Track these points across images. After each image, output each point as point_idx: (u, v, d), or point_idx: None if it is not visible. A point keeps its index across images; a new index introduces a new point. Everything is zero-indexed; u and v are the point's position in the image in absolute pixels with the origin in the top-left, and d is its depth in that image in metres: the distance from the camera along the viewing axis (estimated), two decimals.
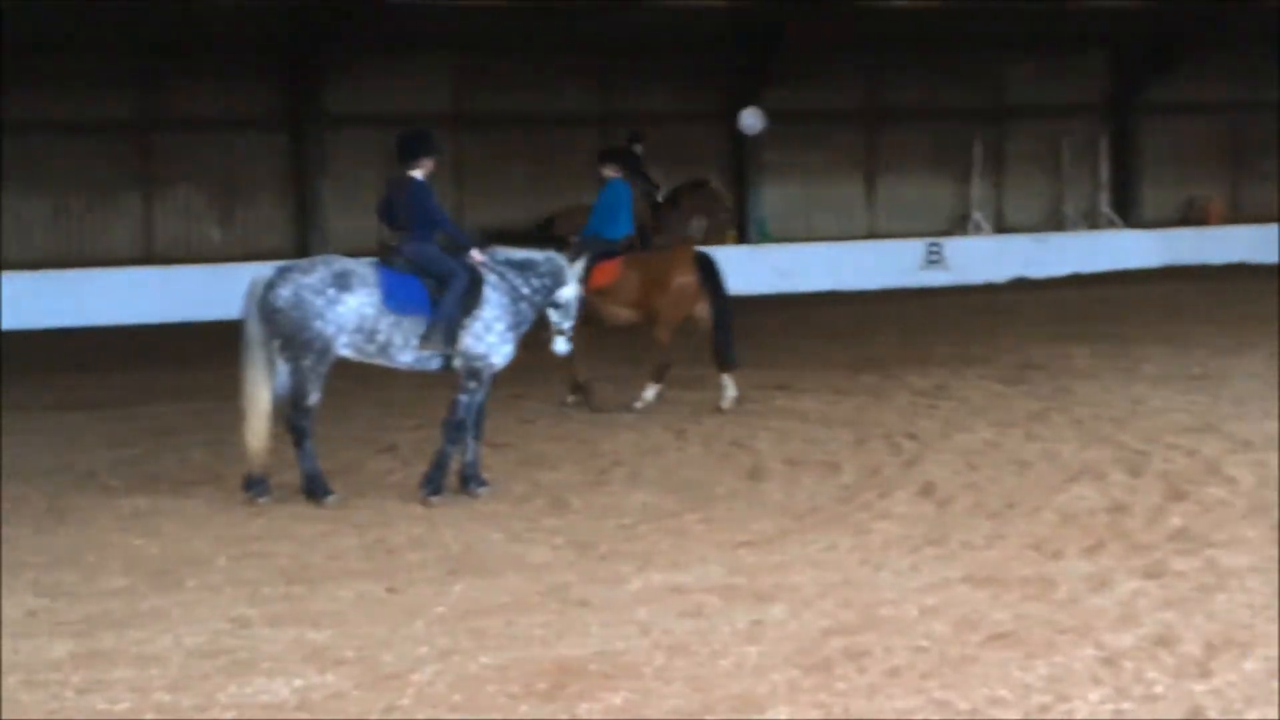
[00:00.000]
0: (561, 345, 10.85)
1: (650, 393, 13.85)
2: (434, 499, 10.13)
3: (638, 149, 19.81)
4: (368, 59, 24.67)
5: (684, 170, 24.86)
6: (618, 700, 6.26)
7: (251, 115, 24.76)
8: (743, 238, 27.76)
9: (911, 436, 12.17)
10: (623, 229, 14.12)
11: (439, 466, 10.27)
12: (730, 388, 13.74)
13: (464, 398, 10.33)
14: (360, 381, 12.97)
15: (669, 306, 13.83)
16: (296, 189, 25.13)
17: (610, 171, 14.40)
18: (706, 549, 8.76)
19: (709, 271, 13.92)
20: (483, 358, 10.32)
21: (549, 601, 7.71)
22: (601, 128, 26.81)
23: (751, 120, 26.77)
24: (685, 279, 13.84)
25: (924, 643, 6.87)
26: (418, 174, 10.57)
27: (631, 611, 7.49)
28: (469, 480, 10.44)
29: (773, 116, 26.93)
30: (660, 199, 20.71)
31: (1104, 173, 30.29)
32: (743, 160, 28.01)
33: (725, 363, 13.82)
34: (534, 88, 26.44)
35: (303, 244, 24.32)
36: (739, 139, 27.40)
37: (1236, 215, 31.09)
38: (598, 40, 26.09)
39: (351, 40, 24.11)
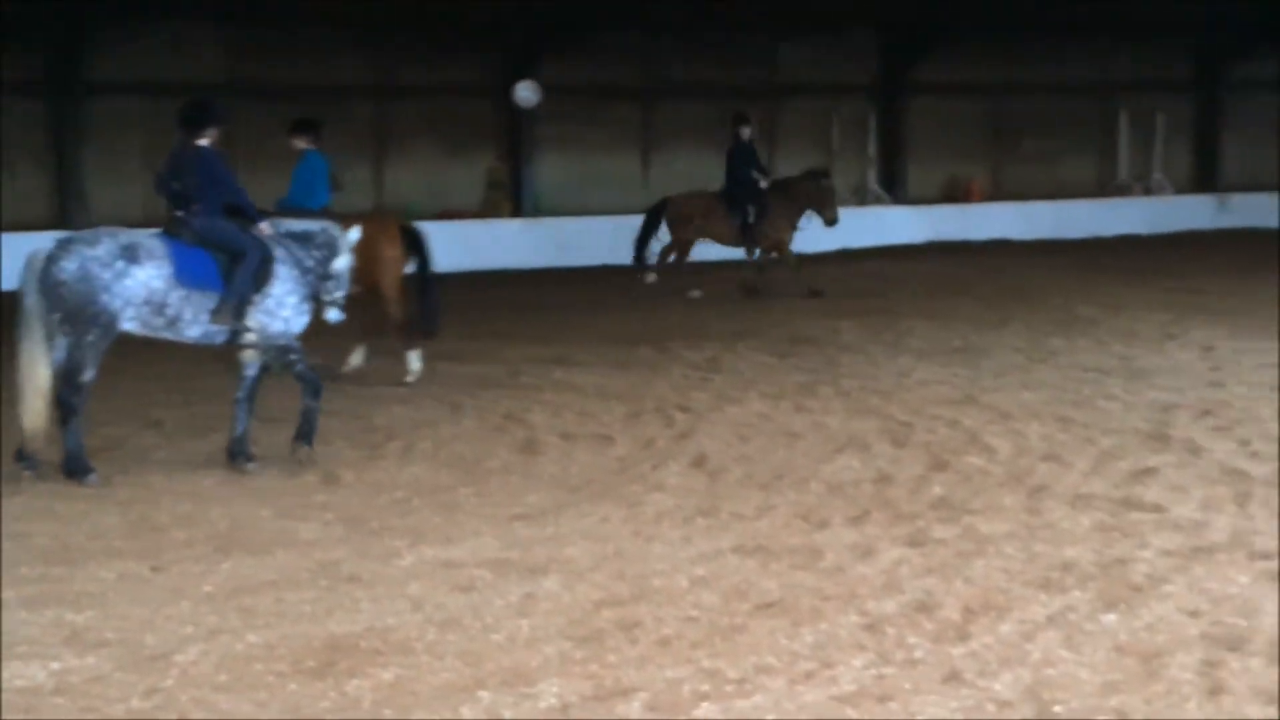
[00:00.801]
0: (334, 315, 10.75)
1: (414, 363, 13.86)
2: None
3: (745, 131, 21.00)
4: (133, 24, 23.98)
5: (456, 144, 24.76)
6: (388, 676, 6.22)
7: (9, 81, 23.84)
8: (519, 211, 27.72)
9: (685, 409, 12.30)
10: (320, 199, 13.88)
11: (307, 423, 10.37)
12: (415, 360, 13.85)
13: (251, 372, 10.29)
14: (124, 356, 12.62)
15: (385, 277, 13.91)
16: (56, 158, 24.31)
17: (301, 143, 14.08)
18: (479, 523, 8.74)
19: (415, 242, 14.07)
20: (282, 334, 10.22)
21: (319, 578, 7.62)
22: (377, 100, 26.56)
23: (526, 94, 26.73)
24: (392, 251, 13.89)
25: (694, 613, 6.96)
26: (204, 143, 10.33)
27: (403, 587, 7.44)
28: (236, 455, 10.28)
29: (548, 90, 26.91)
30: (764, 185, 20.80)
31: (872, 150, 30.94)
32: (519, 134, 27.93)
33: (428, 332, 14.06)
34: (308, 58, 26.00)
35: (63, 215, 23.55)
36: (515, 112, 27.32)
37: (998, 193, 32.07)
38: (372, 11, 25.73)
39: (115, 4, 23.39)
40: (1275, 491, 8.79)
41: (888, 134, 31.10)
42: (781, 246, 21.05)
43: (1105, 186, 32.99)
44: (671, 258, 21.55)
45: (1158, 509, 8.55)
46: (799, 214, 20.88)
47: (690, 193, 22.12)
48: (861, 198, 30.84)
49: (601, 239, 26.76)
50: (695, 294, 20.64)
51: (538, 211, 27.96)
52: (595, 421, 11.91)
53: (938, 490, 9.28)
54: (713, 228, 21.21)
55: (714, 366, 14.63)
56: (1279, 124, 34.12)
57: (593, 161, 29.09)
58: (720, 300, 20.45)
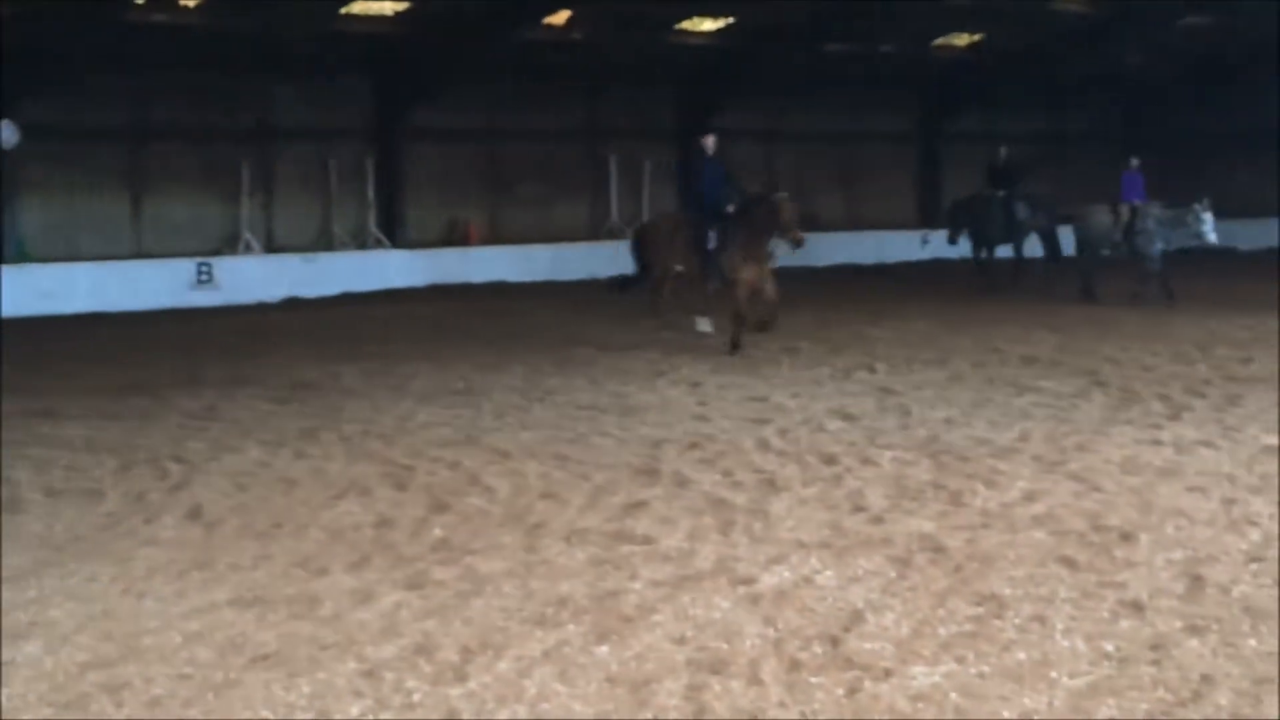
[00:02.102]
0: None
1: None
2: None
3: (710, 143, 19.07)
4: None
5: None
6: None
7: None
8: (0, 258, 26.31)
9: (180, 459, 11.93)
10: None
11: None
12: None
13: None
14: None
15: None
16: None
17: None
18: None
19: None
20: None
21: None
22: None
23: (8, 133, 25.44)
24: None
25: (187, 670, 6.74)
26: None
27: None
28: None
29: (30, 132, 25.71)
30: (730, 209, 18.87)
31: (370, 194, 30.97)
32: None
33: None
34: None
35: None
36: None
37: (496, 236, 32.67)
38: None
39: None
40: (755, 518, 9.27)
41: (386, 178, 31.22)
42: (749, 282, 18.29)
43: (598, 229, 34.09)
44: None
45: (648, 540, 8.86)
46: (765, 241, 18.25)
47: (660, 215, 22.22)
48: (361, 242, 30.82)
49: (89, 286, 25.75)
50: (705, 328, 19.72)
51: (21, 258, 26.62)
52: (84, 476, 11.39)
53: (438, 532, 9.33)
54: (678, 255, 19.40)
55: (211, 415, 14.26)
56: (760, 171, 36.09)
57: (79, 205, 27.95)
58: (214, 345, 19.99)
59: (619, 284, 21.48)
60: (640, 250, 20.45)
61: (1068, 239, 27.26)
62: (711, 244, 18.27)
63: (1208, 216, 23.45)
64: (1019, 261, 27.94)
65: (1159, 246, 23.89)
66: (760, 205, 17.92)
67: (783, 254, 18.59)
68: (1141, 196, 24.50)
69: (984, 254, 28.13)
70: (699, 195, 18.86)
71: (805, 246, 17.91)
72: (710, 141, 18.94)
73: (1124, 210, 24.44)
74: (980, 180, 28.64)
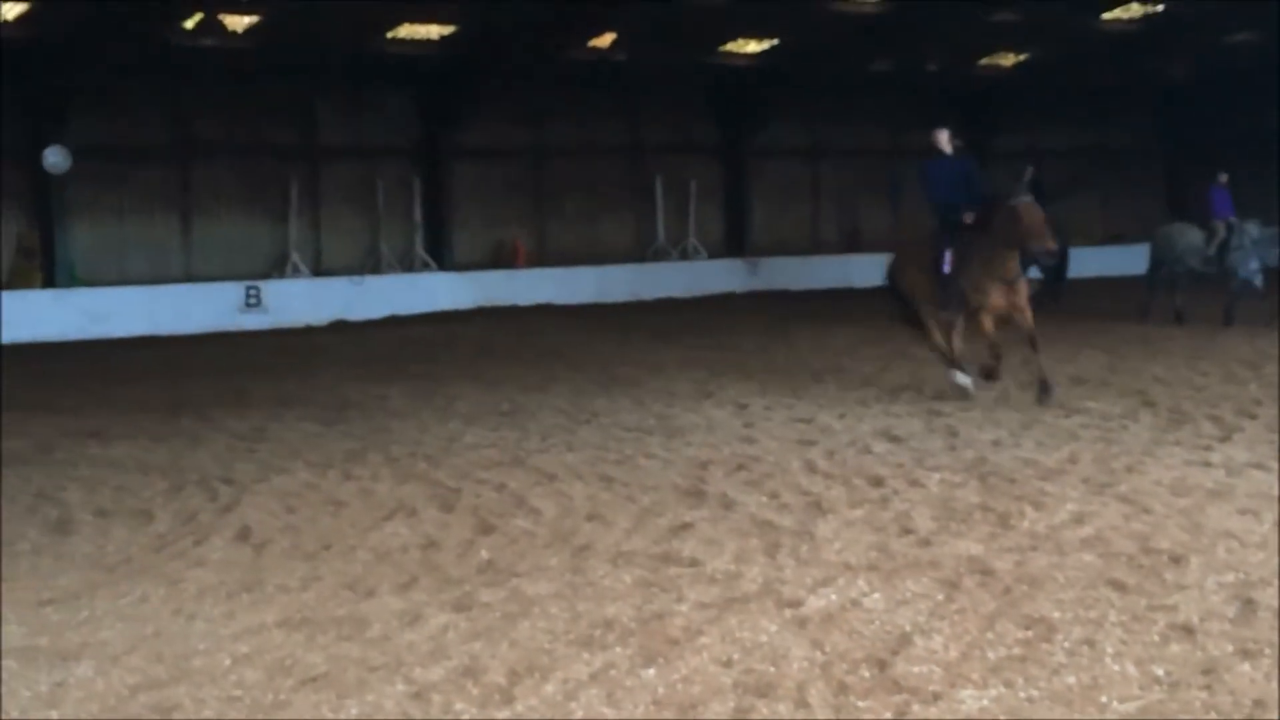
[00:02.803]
0: None
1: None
2: None
3: (944, 138, 15.92)
4: None
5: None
6: None
7: None
8: (50, 281, 26.57)
9: (228, 481, 12.01)
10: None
11: None
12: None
13: None
14: None
15: None
16: None
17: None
18: (4, 610, 8.27)
19: None
20: None
21: None
22: None
23: (55, 158, 25.70)
24: None
25: (236, 692, 6.78)
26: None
27: None
28: None
29: (80, 155, 25.96)
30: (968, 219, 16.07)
31: (417, 215, 31.12)
32: (48, 199, 26.81)
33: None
34: None
35: None
36: (44, 177, 26.21)
37: (542, 258, 32.76)
38: None
39: None
40: (802, 541, 9.25)
41: (432, 199, 31.37)
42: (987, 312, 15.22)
43: (645, 250, 34.16)
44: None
45: (694, 563, 8.85)
46: (1008, 255, 14.94)
47: (910, 238, 17.54)
48: (408, 263, 30.96)
49: (139, 309, 25.98)
50: (963, 381, 15.58)
51: (72, 281, 26.88)
52: (133, 497, 11.49)
53: (485, 554, 9.34)
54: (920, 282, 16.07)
55: (259, 436, 14.35)
56: (805, 190, 36.20)
57: (128, 227, 28.22)
58: (262, 367, 20.10)
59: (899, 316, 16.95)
60: (896, 283, 16.63)
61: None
62: (946, 265, 15.13)
63: None
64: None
65: (1255, 264, 23.06)
66: (996, 213, 14.76)
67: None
68: (1231, 212, 23.74)
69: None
70: (937, 205, 15.58)
71: (1055, 256, 16.23)
72: (944, 136, 15.89)
73: (1219, 227, 23.53)
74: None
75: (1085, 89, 37.78)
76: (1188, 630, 7.10)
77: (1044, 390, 14.71)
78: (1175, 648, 6.87)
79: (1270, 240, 23.27)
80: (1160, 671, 6.56)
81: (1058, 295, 26.41)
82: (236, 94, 28.82)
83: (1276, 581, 7.89)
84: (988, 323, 15.06)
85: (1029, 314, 15.07)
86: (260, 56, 27.81)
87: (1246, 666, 6.58)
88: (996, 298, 14.89)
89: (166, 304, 26.67)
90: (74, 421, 15.11)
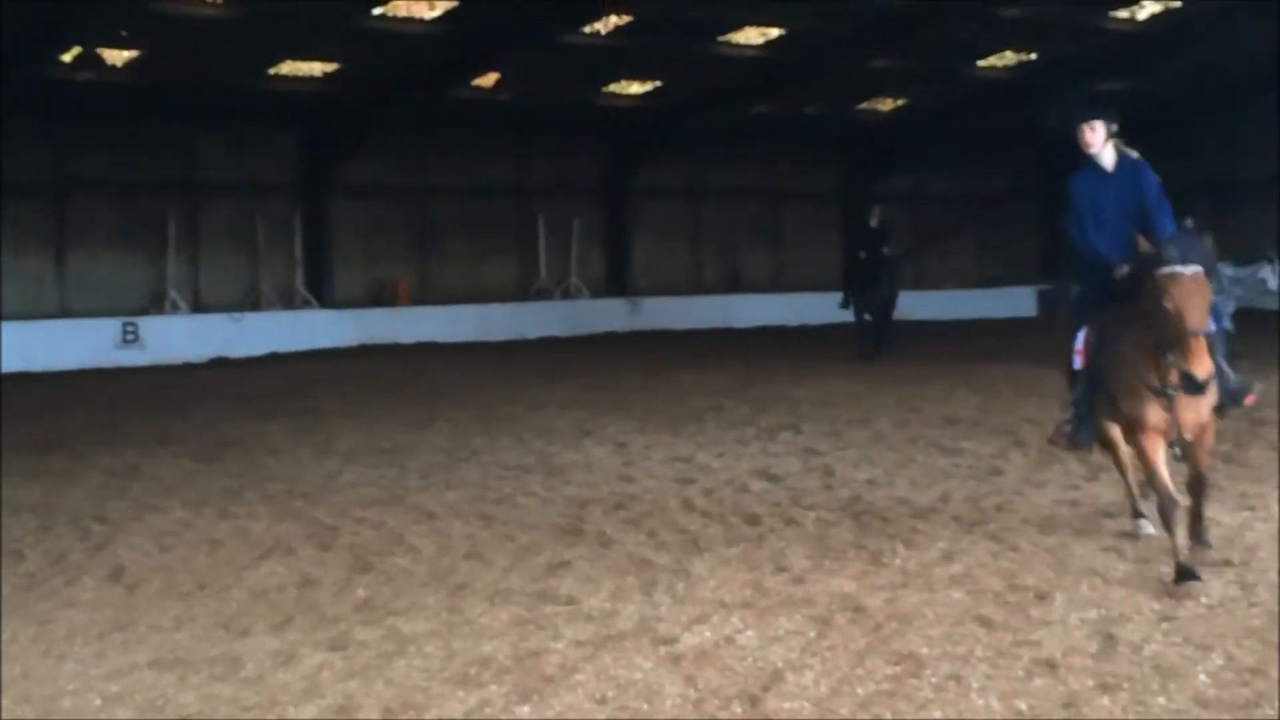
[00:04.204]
0: None
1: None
2: None
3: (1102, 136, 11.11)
4: None
5: None
6: None
7: None
8: None
9: (101, 519, 11.87)
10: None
11: None
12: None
13: None
14: None
15: None
16: None
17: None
18: None
19: None
20: None
21: None
22: None
23: None
24: None
25: None
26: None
27: None
28: None
29: None
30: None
31: (298, 252, 30.95)
32: None
33: None
34: None
35: None
36: None
37: (424, 295, 32.70)
38: None
39: None
40: (678, 578, 9.33)
41: (313, 236, 31.24)
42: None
43: (527, 289, 34.21)
44: None
45: (571, 600, 8.90)
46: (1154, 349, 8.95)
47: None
48: (289, 301, 30.77)
49: (12, 344, 25.57)
50: (1148, 530, 9.95)
51: None
52: (4, 536, 11.31)
53: (362, 592, 9.33)
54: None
55: (134, 473, 14.20)
56: (686, 230, 36.48)
57: (2, 262, 27.78)
58: (138, 404, 19.87)
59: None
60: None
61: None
62: (1078, 354, 9.70)
63: (1273, 272, 22.87)
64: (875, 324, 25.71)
65: (1231, 307, 21.41)
66: (1144, 282, 8.75)
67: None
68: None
69: (865, 317, 25.87)
70: (1092, 256, 9.62)
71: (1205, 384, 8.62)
72: (1096, 131, 9.69)
73: None
74: (853, 242, 27.66)
75: (964, 134, 38.45)
76: (1051, 665, 7.27)
77: (1200, 542, 9.27)
78: (1038, 682, 7.03)
79: (1245, 281, 23.02)
80: (1024, 706, 6.72)
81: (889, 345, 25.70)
82: (115, 129, 28.52)
83: (1137, 618, 8.10)
84: (1148, 446, 9.10)
85: (1206, 441, 9.25)
86: (140, 91, 27.55)
87: (1106, 700, 6.76)
88: (1142, 410, 9.05)
89: (41, 340, 26.26)
90: None
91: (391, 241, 32.73)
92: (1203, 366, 8.42)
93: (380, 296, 32.24)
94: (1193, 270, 8.52)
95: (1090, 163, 9.77)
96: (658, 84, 33.73)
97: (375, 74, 29.46)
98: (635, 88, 34.05)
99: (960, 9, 29.68)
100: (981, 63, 35.00)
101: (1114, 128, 9.72)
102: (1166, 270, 8.48)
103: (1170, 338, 8.52)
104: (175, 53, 26.99)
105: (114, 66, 27.12)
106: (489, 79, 31.18)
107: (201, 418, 18.50)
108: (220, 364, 26.98)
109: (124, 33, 25.69)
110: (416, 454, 15.22)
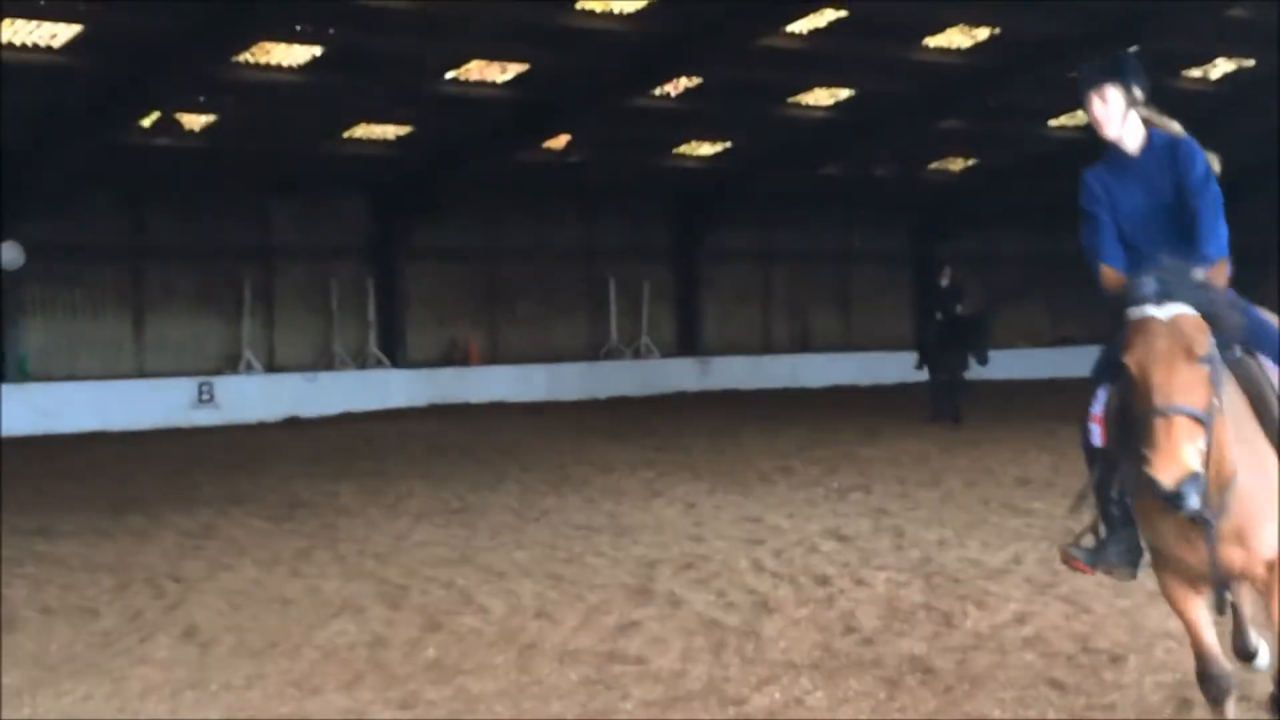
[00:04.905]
0: None
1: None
2: None
3: None
4: None
5: None
6: None
7: None
8: (1, 376, 26.48)
9: (176, 578, 11.98)
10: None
11: None
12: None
13: None
14: None
15: None
16: None
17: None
18: None
19: None
20: None
21: None
22: None
23: (9, 255, 25.73)
24: None
25: None
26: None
27: None
28: None
29: (32, 252, 26.00)
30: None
31: (371, 313, 31.21)
32: (0, 296, 26.80)
33: None
34: None
35: None
36: None
37: (495, 355, 32.87)
38: None
39: None
40: (747, 639, 9.31)
41: (386, 297, 31.50)
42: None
43: (597, 349, 34.30)
44: None
45: (640, 661, 8.89)
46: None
47: None
48: (362, 361, 31.01)
49: (89, 405, 25.91)
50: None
51: (22, 376, 26.80)
52: (79, 594, 11.44)
53: (431, 652, 9.36)
54: None
55: (208, 533, 14.33)
56: (756, 292, 36.52)
57: (81, 324, 28.20)
58: (213, 464, 20.06)
59: None
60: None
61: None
62: (1095, 429, 6.93)
63: None
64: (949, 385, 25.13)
65: None
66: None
67: None
68: None
69: (940, 378, 25.36)
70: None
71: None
72: (1111, 108, 6.67)
73: None
74: (926, 303, 27.76)
75: (1035, 194, 38.30)
76: None
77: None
78: None
79: None
80: None
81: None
82: (191, 193, 28.95)
83: None
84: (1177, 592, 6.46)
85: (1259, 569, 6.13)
86: (215, 155, 27.96)
87: None
88: (1160, 539, 6.28)
89: (118, 400, 26.61)
90: (20, 519, 15.03)
91: (463, 302, 32.94)
92: (1169, 468, 5.41)
93: (452, 356, 32.43)
94: (1172, 313, 5.71)
95: (1111, 151, 6.72)
96: (727, 145, 33.86)
97: (446, 137, 29.77)
98: (704, 149, 34.19)
99: (1031, 70, 29.64)
100: (1052, 122, 34.91)
101: (1138, 95, 6.61)
102: (1134, 314, 5.79)
103: (1136, 418, 5.77)
104: (250, 118, 27.41)
105: (191, 131, 27.56)
106: (559, 141, 31.42)
107: (274, 478, 18.65)
108: (293, 423, 27.21)
109: (201, 98, 26.12)
110: (486, 514, 15.27)
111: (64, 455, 21.81)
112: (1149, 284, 5.78)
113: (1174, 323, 5.67)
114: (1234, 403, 5.97)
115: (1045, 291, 40.34)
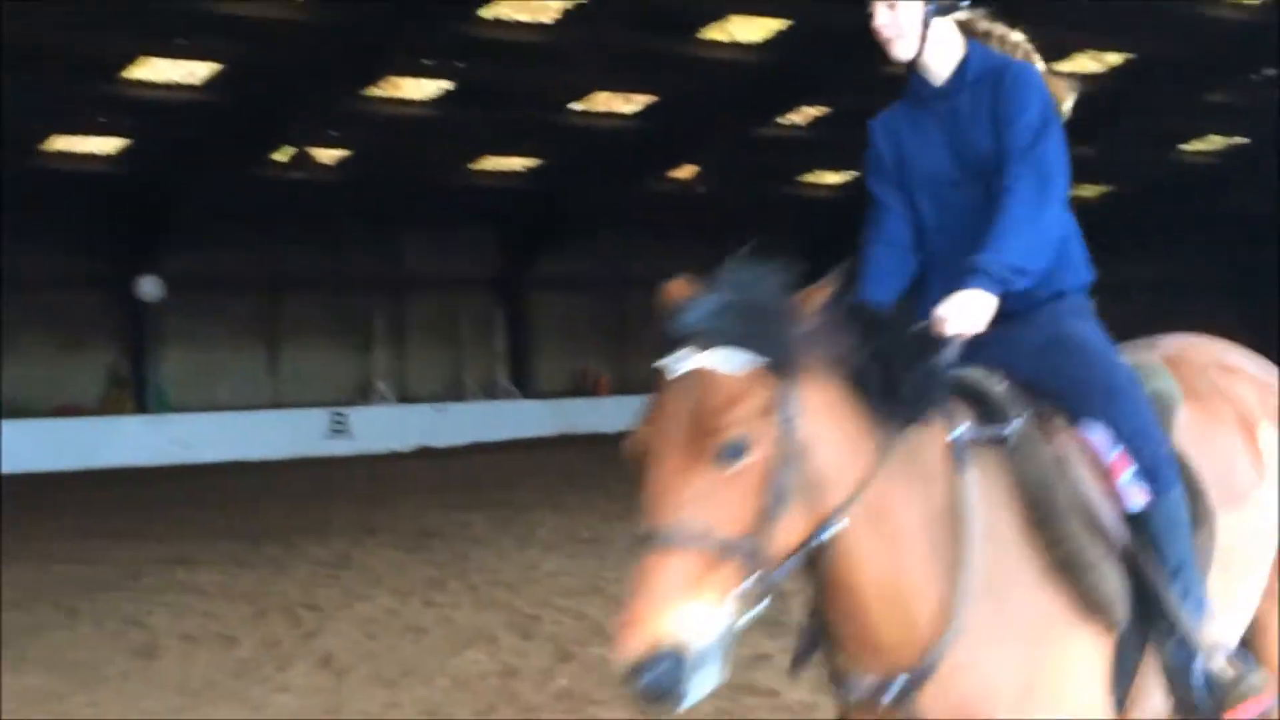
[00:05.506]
0: None
1: None
2: None
3: None
4: None
5: (72, 338, 24.08)
6: None
7: None
8: (142, 407, 27.05)
9: (312, 607, 12.12)
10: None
11: None
12: None
13: None
14: None
15: None
16: None
17: None
18: None
19: None
20: None
21: None
22: None
23: (149, 288, 26.34)
24: None
25: None
26: None
27: None
28: None
29: (171, 285, 26.57)
30: None
31: (500, 345, 31.44)
32: (140, 328, 27.40)
33: None
34: None
35: None
36: (137, 306, 26.83)
37: (624, 386, 32.92)
38: None
39: None
40: None
41: (515, 328, 31.72)
42: None
43: None
44: None
45: (772, 693, 8.83)
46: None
47: None
48: (492, 392, 31.24)
49: (226, 435, 26.36)
50: None
51: (162, 407, 27.36)
52: (218, 622, 11.62)
53: (563, 682, 9.36)
54: None
55: (342, 563, 14.49)
56: None
57: (217, 355, 28.74)
58: (346, 494, 20.29)
59: None
60: None
61: None
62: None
63: None
64: None
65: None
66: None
67: None
68: None
69: None
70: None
71: None
72: (901, 19, 4.25)
73: None
74: None
75: (1166, 221, 37.65)
76: None
77: None
78: None
79: None
80: None
81: None
82: (324, 225, 29.39)
83: None
84: None
85: None
86: (348, 189, 28.39)
87: None
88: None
89: (253, 430, 27.04)
90: (161, 548, 15.32)
91: (591, 332, 33.06)
92: (634, 632, 3.23)
93: (581, 387, 32.55)
94: (696, 365, 3.56)
95: (911, 82, 4.44)
96: (854, 174, 33.71)
97: (574, 168, 29.96)
98: (831, 178, 34.07)
99: (1167, 94, 29.20)
100: (1184, 146, 34.34)
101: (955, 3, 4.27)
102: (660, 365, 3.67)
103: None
104: (381, 151, 27.81)
105: (323, 165, 28.02)
106: (687, 171, 31.49)
107: (406, 507, 18.82)
108: (424, 453, 27.46)
109: (334, 132, 26.56)
110: (616, 544, 15.25)
111: (201, 485, 22.19)
112: (694, 309, 3.59)
113: (692, 383, 3.47)
114: (984, 520, 3.65)
115: (1176, 318, 39.47)
